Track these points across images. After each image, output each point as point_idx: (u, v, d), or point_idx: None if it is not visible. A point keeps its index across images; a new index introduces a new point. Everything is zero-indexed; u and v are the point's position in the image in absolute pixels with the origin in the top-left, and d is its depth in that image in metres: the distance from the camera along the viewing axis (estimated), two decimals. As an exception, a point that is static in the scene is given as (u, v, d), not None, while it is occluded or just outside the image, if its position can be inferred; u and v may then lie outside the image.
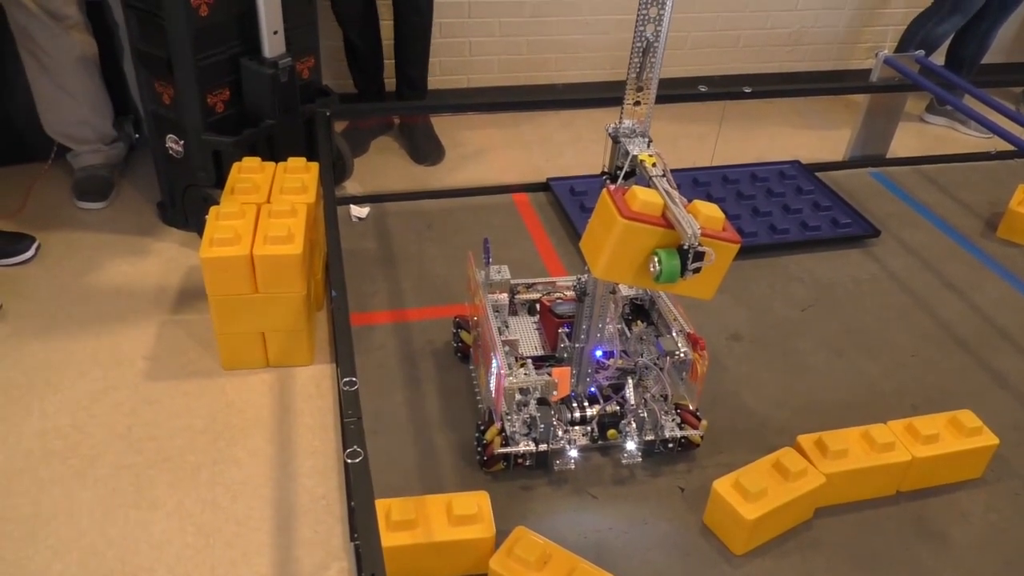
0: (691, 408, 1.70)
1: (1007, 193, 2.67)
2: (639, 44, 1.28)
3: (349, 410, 1.36)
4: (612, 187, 1.27)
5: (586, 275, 1.60)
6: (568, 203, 2.54)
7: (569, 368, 1.56)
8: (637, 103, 1.33)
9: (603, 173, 1.41)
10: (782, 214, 2.58)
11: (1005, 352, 2.10)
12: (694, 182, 2.72)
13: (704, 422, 1.70)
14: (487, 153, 2.89)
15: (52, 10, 2.18)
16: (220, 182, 2.18)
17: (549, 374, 1.54)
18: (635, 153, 1.33)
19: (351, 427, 1.33)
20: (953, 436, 1.70)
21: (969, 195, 2.81)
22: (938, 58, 3.16)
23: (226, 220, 1.82)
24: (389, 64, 2.84)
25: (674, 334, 1.67)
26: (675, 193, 1.22)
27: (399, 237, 2.39)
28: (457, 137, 2.94)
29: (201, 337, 1.98)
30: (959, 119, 3.23)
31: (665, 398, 1.71)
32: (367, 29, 2.69)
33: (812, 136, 3.16)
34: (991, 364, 2.06)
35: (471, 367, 1.90)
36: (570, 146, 2.96)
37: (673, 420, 1.70)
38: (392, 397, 1.84)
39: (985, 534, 1.63)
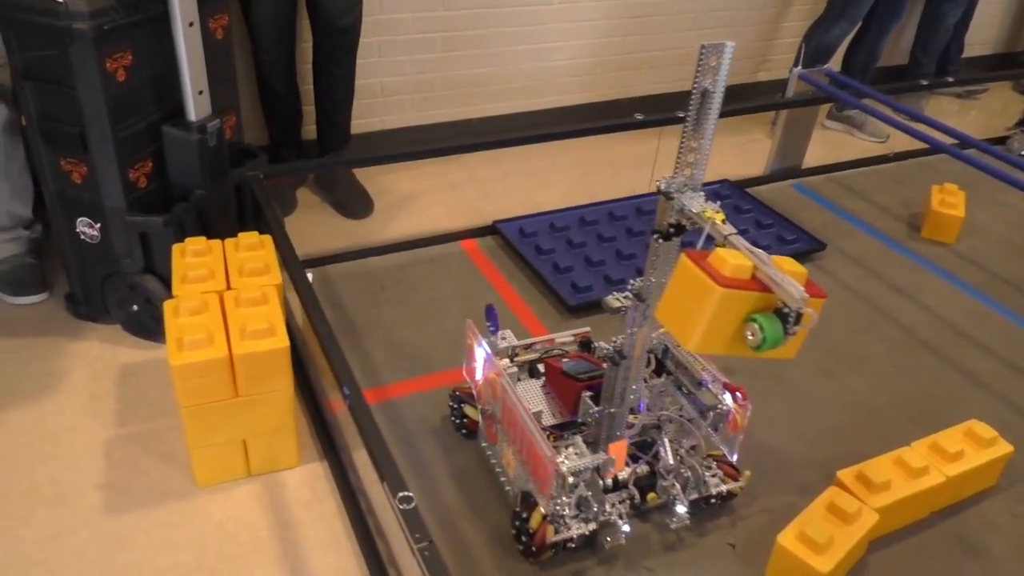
0: (730, 460, 1.63)
1: (914, 193, 2.82)
2: (697, 96, 1.19)
3: (416, 534, 1.18)
4: (691, 251, 1.17)
5: (621, 338, 1.49)
6: (522, 246, 2.42)
7: (625, 441, 1.45)
8: (693, 154, 1.24)
9: (654, 232, 1.31)
10: (729, 235, 2.57)
11: (969, 351, 2.18)
12: (610, 216, 2.67)
13: (747, 472, 1.63)
14: (416, 198, 2.72)
15: None
16: (149, 267, 1.91)
17: (605, 450, 1.42)
18: (696, 210, 1.24)
19: (426, 554, 1.16)
20: (975, 450, 1.72)
21: (883, 198, 2.93)
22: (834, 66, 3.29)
23: (189, 316, 1.57)
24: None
25: (710, 386, 1.59)
26: (763, 253, 1.14)
27: (353, 304, 2.19)
28: (379, 184, 2.75)
29: (160, 451, 1.70)
30: (855, 124, 3.39)
31: (694, 449, 1.63)
32: (291, 76, 2.48)
33: (731, 152, 3.20)
34: (961, 365, 2.13)
35: (483, 444, 1.74)
36: (499, 183, 2.84)
37: (714, 475, 1.62)
38: (403, 491, 1.65)
39: (1021, 540, 1.66)
